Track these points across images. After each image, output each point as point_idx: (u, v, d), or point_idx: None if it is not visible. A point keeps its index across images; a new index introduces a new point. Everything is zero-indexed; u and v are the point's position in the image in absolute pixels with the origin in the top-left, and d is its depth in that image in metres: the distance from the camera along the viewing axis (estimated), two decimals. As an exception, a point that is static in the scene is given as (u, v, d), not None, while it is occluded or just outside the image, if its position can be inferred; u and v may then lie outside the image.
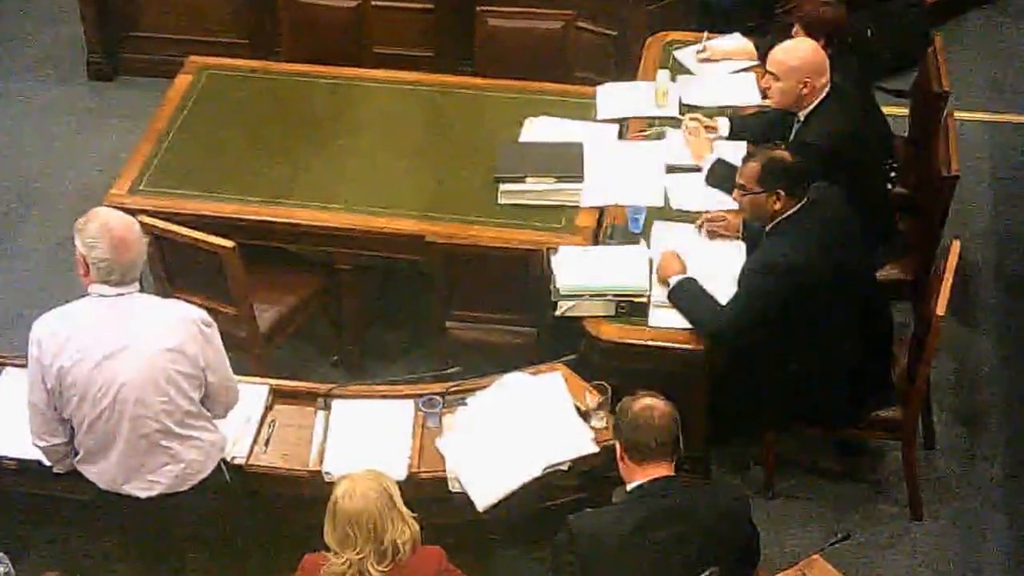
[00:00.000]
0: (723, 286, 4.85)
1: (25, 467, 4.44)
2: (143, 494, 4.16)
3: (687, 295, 4.84)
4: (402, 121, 5.86)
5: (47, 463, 4.30)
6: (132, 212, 4.68)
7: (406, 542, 3.81)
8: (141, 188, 5.47)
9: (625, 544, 3.85)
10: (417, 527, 3.85)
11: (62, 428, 4.17)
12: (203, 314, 4.18)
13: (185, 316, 4.13)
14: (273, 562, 4.37)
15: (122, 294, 4.07)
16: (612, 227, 5.21)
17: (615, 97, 5.82)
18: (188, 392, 4.12)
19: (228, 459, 4.40)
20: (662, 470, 3.93)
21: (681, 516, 3.90)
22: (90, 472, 4.21)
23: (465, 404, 4.59)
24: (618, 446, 3.99)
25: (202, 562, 4.42)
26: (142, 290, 4.16)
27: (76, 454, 4.21)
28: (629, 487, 3.97)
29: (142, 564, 4.43)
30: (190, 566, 4.41)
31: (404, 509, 3.84)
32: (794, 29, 5.46)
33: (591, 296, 4.89)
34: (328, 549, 3.82)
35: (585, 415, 4.53)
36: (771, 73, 5.21)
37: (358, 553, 3.77)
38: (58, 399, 4.10)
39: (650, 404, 3.93)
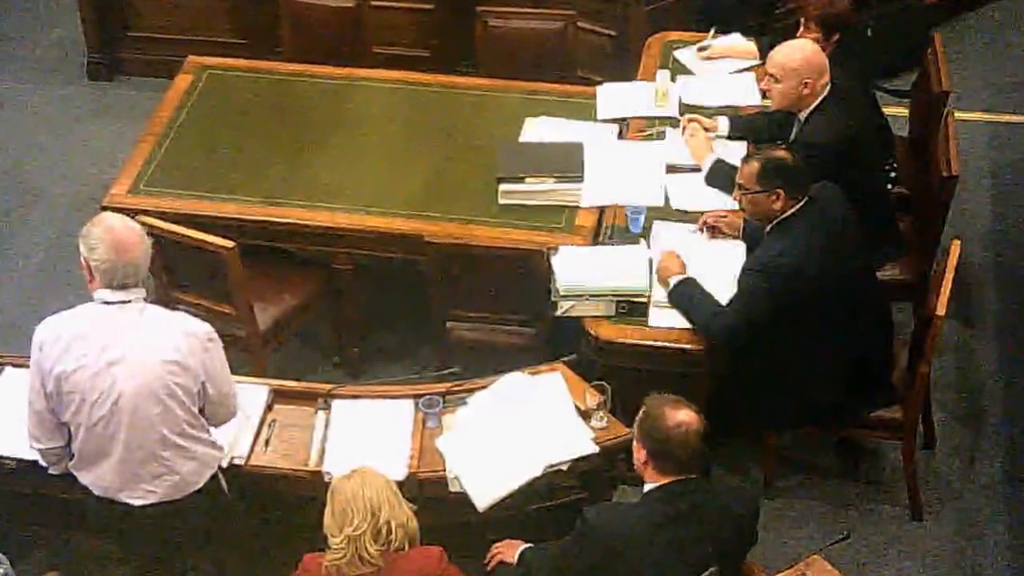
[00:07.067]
0: (723, 286, 4.85)
1: (25, 467, 4.44)
2: (138, 502, 4.16)
3: (687, 296, 4.84)
4: (402, 121, 5.86)
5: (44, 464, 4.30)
6: (132, 212, 4.70)
7: (402, 525, 3.80)
8: (141, 188, 5.46)
9: (638, 542, 3.87)
10: (416, 524, 3.86)
11: (60, 432, 4.16)
12: (208, 329, 4.15)
13: (189, 330, 4.11)
14: (272, 562, 4.37)
15: (127, 301, 4.05)
16: (612, 227, 5.21)
17: (615, 97, 5.82)
18: (187, 404, 4.10)
19: (229, 459, 4.39)
20: (683, 474, 3.95)
21: (696, 519, 3.92)
22: (85, 478, 4.20)
23: (465, 404, 4.59)
24: (641, 451, 3.97)
25: (201, 564, 4.41)
26: (146, 297, 4.15)
27: (72, 458, 4.20)
28: (647, 487, 3.99)
29: (142, 566, 4.42)
30: (189, 568, 4.40)
31: (404, 501, 3.86)
32: (800, 29, 5.45)
33: (591, 296, 4.89)
34: (327, 546, 3.81)
35: (585, 415, 4.53)
36: (771, 75, 5.20)
37: (355, 529, 3.76)
38: (57, 403, 4.09)
39: (684, 421, 3.92)
